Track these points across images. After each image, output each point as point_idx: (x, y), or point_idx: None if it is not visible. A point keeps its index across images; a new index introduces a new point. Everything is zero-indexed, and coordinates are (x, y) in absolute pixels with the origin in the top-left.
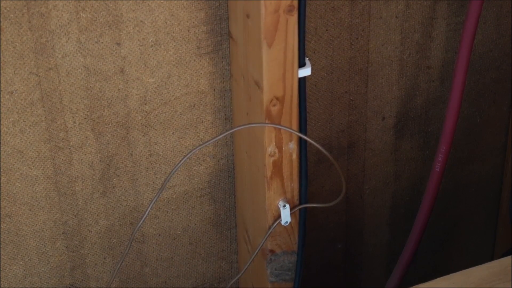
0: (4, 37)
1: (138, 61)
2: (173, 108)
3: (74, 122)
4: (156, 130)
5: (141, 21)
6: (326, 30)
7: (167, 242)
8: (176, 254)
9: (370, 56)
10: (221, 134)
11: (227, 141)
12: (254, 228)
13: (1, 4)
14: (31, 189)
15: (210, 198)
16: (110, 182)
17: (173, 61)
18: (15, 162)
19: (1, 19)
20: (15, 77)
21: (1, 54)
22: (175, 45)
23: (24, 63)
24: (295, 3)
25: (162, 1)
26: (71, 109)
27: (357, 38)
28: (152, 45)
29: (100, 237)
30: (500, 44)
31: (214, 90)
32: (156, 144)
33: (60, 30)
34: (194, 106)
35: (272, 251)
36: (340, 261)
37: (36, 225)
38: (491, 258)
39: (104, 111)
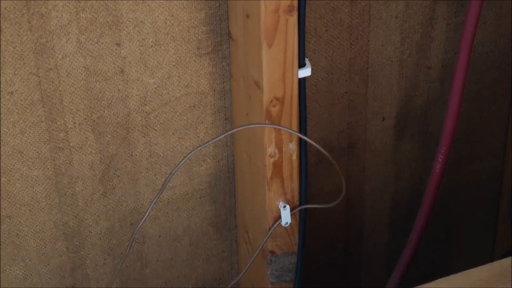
0: (4, 37)
1: (138, 62)
2: (173, 108)
3: (74, 123)
4: (156, 130)
5: (141, 21)
6: (326, 30)
7: (168, 243)
8: (176, 255)
9: (370, 56)
10: (221, 134)
11: (227, 142)
12: (254, 229)
13: (1, 5)
14: (31, 190)
15: (210, 199)
16: (110, 183)
17: (173, 62)
18: (15, 163)
19: (1, 20)
20: (15, 77)
21: (1, 55)
22: (175, 46)
23: (24, 64)
24: (295, 3)
25: (162, 1)
26: (71, 109)
27: (357, 39)
28: (152, 46)
29: (100, 238)
30: (500, 45)
31: (214, 90)
32: (156, 144)
33: (60, 30)
34: (194, 106)
35: (272, 252)
36: (340, 261)
37: (36, 226)
38: (491, 259)
39: (104, 111)
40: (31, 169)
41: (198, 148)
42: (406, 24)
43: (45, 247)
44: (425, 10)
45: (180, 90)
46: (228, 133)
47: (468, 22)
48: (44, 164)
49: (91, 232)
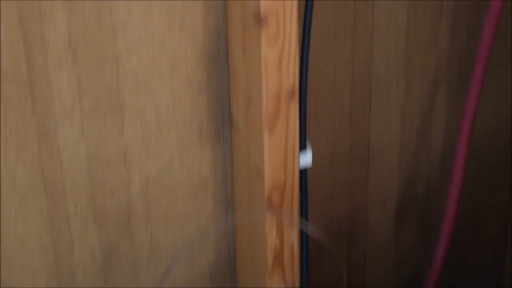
0: (8, 123)
1: (140, 147)
2: (175, 195)
3: (76, 210)
4: (157, 218)
5: (144, 106)
6: (327, 115)
7: None
8: None
9: (371, 141)
10: (222, 225)
11: (228, 230)
12: None
13: (5, 89)
14: (32, 280)
15: None
16: (111, 272)
17: (175, 147)
18: (16, 252)
19: (5, 105)
20: (18, 164)
21: (5, 141)
22: (177, 131)
23: (27, 150)
24: (297, 88)
25: (165, 86)
26: (73, 197)
27: (357, 123)
28: (154, 131)
29: None
30: (499, 129)
31: (215, 177)
32: (157, 233)
33: (63, 115)
34: (195, 193)
35: None
36: None
37: None
38: None
39: (105, 198)
40: (32, 259)
41: (198, 238)
42: (406, 109)
43: None
44: (425, 96)
45: (181, 176)
46: (229, 224)
47: (468, 107)
48: (45, 253)
49: None
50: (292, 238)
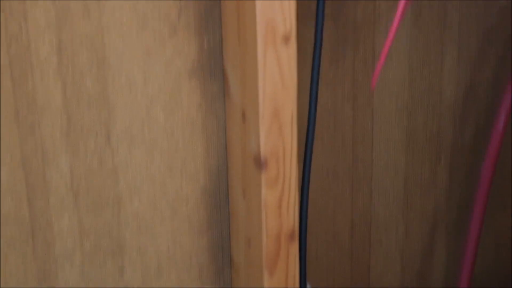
0: (8, 265)
1: None
2: None
3: None
4: None
5: (144, 247)
6: (327, 255)
7: None
8: None
9: (371, 282)
10: None
11: None
12: None
13: (6, 232)
14: None
15: None
16: None
17: None
18: None
19: (6, 247)
20: None
21: (4, 283)
22: (177, 272)
23: None
24: (296, 229)
25: (165, 227)
26: None
27: (357, 264)
28: (154, 272)
29: None
30: (500, 269)
31: None
32: None
33: (64, 257)
34: None
35: None
36: None
37: None
38: None
39: None
40: None
41: None
42: (406, 250)
43: None
44: (424, 236)
45: None
46: None
47: (468, 248)
48: None
49: None
50: None
